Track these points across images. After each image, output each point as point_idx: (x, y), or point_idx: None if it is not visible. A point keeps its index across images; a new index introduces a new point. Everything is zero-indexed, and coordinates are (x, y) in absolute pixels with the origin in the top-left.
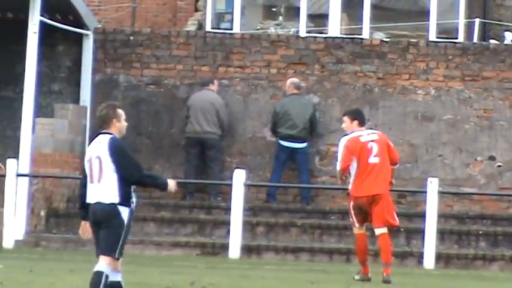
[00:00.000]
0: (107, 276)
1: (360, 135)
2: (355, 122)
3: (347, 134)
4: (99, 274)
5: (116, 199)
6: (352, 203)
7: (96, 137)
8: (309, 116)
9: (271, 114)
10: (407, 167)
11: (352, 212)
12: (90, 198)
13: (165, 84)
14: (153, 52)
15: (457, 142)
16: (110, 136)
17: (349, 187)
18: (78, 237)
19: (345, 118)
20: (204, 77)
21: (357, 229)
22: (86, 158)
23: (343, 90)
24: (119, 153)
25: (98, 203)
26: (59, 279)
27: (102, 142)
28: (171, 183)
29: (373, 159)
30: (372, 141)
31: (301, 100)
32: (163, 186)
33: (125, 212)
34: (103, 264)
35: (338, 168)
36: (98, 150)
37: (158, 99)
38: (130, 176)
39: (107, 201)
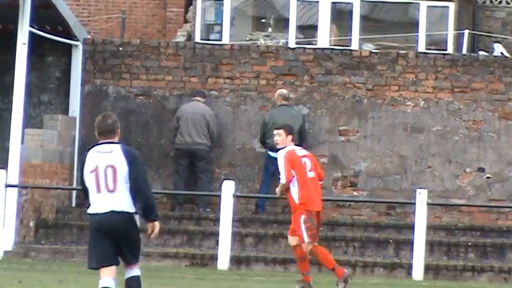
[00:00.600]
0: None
1: (295, 150)
2: (290, 137)
3: (281, 149)
4: (138, 279)
5: (132, 208)
6: (305, 216)
7: (93, 146)
8: (298, 127)
9: (260, 125)
10: (397, 178)
11: (308, 225)
12: (99, 208)
13: (155, 95)
14: (143, 63)
15: (446, 153)
16: (121, 145)
17: (297, 200)
18: (67, 248)
19: (281, 132)
20: (194, 88)
21: (310, 244)
22: (90, 169)
23: (332, 102)
24: (136, 161)
25: (114, 212)
26: None
27: (115, 151)
28: (158, 224)
29: (310, 174)
30: (305, 156)
31: (290, 111)
32: (155, 214)
33: (138, 220)
34: (137, 270)
35: (283, 181)
36: (110, 160)
37: (147, 110)
38: (140, 186)
39: (126, 211)
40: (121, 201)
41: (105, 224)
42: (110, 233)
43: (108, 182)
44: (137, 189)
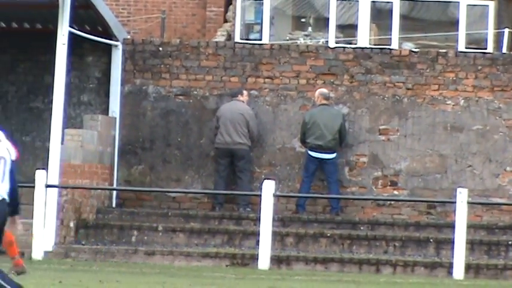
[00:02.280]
0: None
1: None
2: None
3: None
4: None
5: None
6: None
7: None
8: (338, 127)
9: (301, 125)
10: (437, 177)
11: None
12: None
13: (194, 95)
14: (182, 63)
15: (487, 152)
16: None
17: None
18: (107, 248)
19: None
20: (234, 88)
21: None
22: None
23: (372, 101)
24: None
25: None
26: None
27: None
28: (19, 221)
29: None
30: None
31: (330, 110)
32: (17, 208)
33: None
34: None
35: None
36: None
37: (187, 110)
38: (14, 180)
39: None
40: (4, 189)
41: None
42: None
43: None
44: (11, 181)
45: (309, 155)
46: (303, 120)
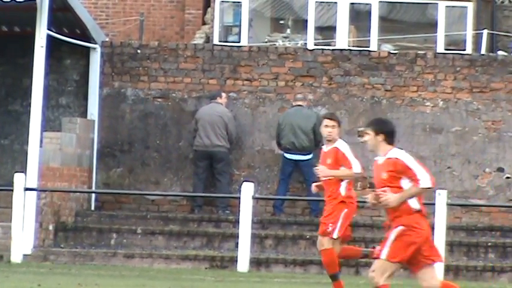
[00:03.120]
0: None
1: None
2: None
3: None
4: None
5: None
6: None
7: None
8: (311, 127)
9: (276, 127)
10: None
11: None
12: None
13: (173, 98)
14: (161, 65)
15: (466, 154)
16: None
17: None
18: (86, 251)
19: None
20: (212, 90)
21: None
22: None
23: (351, 103)
24: None
25: None
26: None
27: None
28: None
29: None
30: None
31: (303, 111)
32: None
33: None
34: None
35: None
36: None
37: (166, 113)
38: None
39: None
40: None
41: None
42: None
43: None
44: None
45: (284, 157)
46: (278, 122)
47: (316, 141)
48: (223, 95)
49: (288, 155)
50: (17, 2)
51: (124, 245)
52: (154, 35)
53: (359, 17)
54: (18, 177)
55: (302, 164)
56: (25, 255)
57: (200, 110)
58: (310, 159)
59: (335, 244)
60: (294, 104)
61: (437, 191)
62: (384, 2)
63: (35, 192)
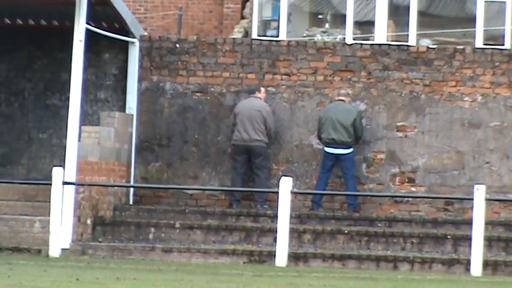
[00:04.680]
0: None
1: None
2: None
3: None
4: None
5: None
6: None
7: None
8: (351, 121)
9: (317, 121)
10: (454, 174)
11: None
12: None
13: (212, 92)
14: (199, 60)
15: (504, 149)
16: None
17: None
18: (124, 246)
19: None
20: (251, 85)
21: None
22: None
23: (389, 97)
24: None
25: None
26: None
27: None
28: None
29: None
30: None
31: (344, 106)
32: None
33: None
34: None
35: None
36: None
37: (204, 107)
38: None
39: None
40: None
41: None
42: None
43: None
44: None
45: (325, 151)
46: (319, 116)
47: (357, 135)
48: (262, 89)
49: (329, 149)
50: None
51: (162, 239)
52: (192, 29)
53: (398, 12)
54: (56, 172)
55: (342, 158)
56: (63, 250)
57: (239, 105)
58: (350, 153)
59: None
60: (336, 98)
61: (476, 186)
62: None
63: (73, 187)
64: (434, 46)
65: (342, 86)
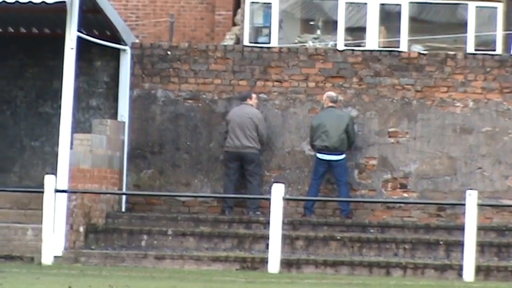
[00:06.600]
0: None
1: None
2: None
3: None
4: None
5: None
6: None
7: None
8: (344, 127)
9: (309, 128)
10: (446, 179)
11: None
12: None
13: (203, 99)
14: (191, 67)
15: (496, 154)
16: None
17: None
18: (117, 253)
19: None
20: (242, 92)
21: None
22: None
23: (381, 103)
24: None
25: None
26: None
27: None
28: None
29: None
30: None
31: (336, 112)
32: None
33: None
34: None
35: None
36: None
37: (196, 114)
38: None
39: None
40: None
41: None
42: None
43: None
44: None
45: (317, 157)
46: (311, 124)
47: (349, 141)
48: (254, 96)
49: (321, 155)
50: (47, 3)
51: (155, 246)
52: (184, 37)
53: (389, 18)
54: (48, 179)
55: (334, 164)
56: (56, 257)
57: (231, 112)
58: (342, 159)
59: None
60: (326, 105)
61: (468, 192)
62: (413, 2)
63: (65, 194)
64: (426, 52)
65: (333, 92)
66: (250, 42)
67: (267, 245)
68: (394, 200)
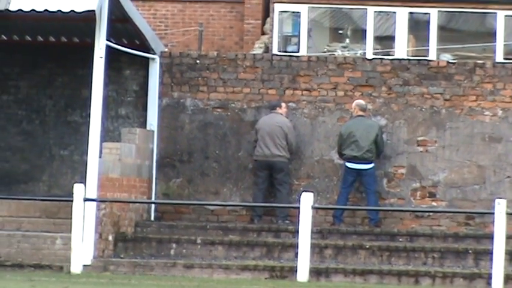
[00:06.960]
0: None
1: None
2: None
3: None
4: None
5: None
6: None
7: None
8: (374, 137)
9: (338, 137)
10: (475, 188)
11: None
12: None
13: (232, 108)
14: (220, 75)
15: None
16: None
17: None
18: (146, 262)
19: None
20: (271, 100)
21: None
22: None
23: (410, 112)
24: None
25: None
26: None
27: None
28: None
29: None
30: None
31: (365, 121)
32: None
33: None
34: None
35: None
36: None
37: (225, 123)
38: None
39: None
40: None
41: None
42: None
43: None
44: None
45: (346, 166)
46: (340, 133)
47: (378, 150)
48: (283, 105)
49: (350, 164)
50: (76, 12)
51: (183, 255)
52: (213, 45)
53: (418, 27)
54: (77, 188)
55: (364, 173)
56: (85, 266)
57: (260, 121)
58: (371, 168)
59: None
60: (355, 114)
61: (497, 200)
62: (442, 11)
63: (94, 203)
64: (455, 61)
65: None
66: (279, 51)
67: (296, 253)
68: (423, 209)
